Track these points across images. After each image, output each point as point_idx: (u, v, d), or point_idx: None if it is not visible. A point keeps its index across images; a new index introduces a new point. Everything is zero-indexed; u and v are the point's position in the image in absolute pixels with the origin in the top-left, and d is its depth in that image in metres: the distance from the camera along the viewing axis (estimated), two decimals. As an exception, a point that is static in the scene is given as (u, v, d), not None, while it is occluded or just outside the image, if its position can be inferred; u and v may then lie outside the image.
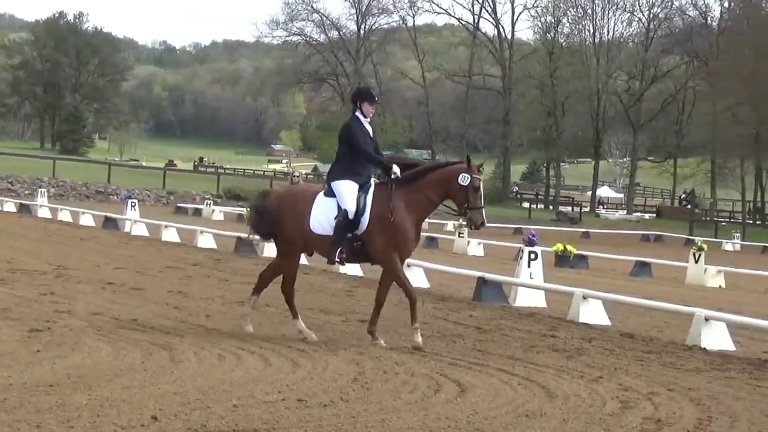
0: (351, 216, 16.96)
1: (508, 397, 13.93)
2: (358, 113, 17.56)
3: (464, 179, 16.88)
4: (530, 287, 26.58)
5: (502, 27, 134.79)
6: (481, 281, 27.01)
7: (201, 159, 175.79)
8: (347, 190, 17.09)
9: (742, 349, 19.93)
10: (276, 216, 17.88)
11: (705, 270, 39.21)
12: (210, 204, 75.76)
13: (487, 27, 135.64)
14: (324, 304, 23.70)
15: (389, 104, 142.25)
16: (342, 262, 17.99)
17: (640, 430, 12.49)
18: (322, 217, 17.25)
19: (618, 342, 20.23)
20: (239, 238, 40.46)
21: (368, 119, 17.61)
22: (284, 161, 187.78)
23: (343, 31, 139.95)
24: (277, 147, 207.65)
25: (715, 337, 20.16)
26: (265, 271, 18.80)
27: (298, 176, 51.15)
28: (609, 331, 21.87)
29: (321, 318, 21.28)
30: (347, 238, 17.12)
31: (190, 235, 43.68)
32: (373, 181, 17.40)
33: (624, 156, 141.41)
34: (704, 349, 19.73)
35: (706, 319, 20.39)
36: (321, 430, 11.45)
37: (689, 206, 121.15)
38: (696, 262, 40.08)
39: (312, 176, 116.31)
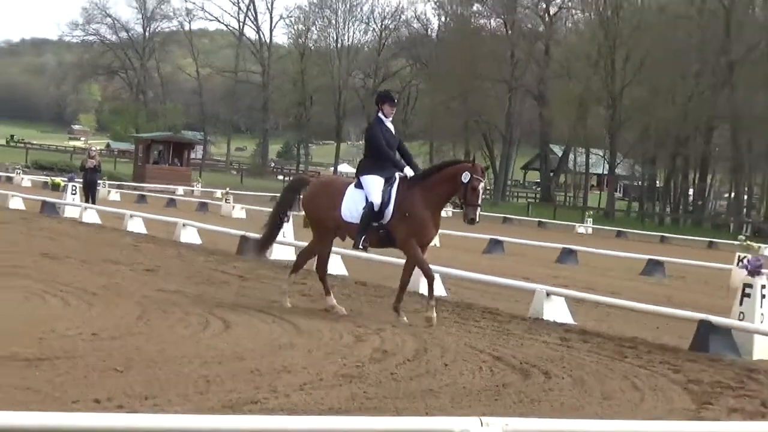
0: (376, 208, 15.98)
1: (265, 332, 14.01)
2: (380, 114, 16.60)
3: (465, 177, 15.64)
4: (283, 244, 26.61)
5: (262, 33, 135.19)
6: (244, 239, 27.01)
7: (12, 136, 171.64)
8: (374, 184, 16.06)
9: (452, 296, 20.28)
10: (308, 203, 17.08)
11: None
12: (20, 173, 74.07)
13: (250, 32, 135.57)
14: (115, 256, 23.41)
15: (170, 94, 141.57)
16: (365, 249, 16.84)
17: (370, 358, 12.67)
18: (352, 207, 16.25)
19: (354, 288, 20.41)
20: (44, 202, 39.82)
21: (389, 118, 16.58)
22: (82, 139, 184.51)
23: (131, 32, 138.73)
24: (77, 127, 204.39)
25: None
26: (302, 252, 17.82)
27: (94, 151, 50.32)
28: (347, 279, 22.03)
29: (112, 267, 21.05)
30: (373, 227, 16.14)
31: (2, 198, 42.72)
32: (397, 175, 16.18)
33: (359, 139, 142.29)
34: (422, 294, 19.97)
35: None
36: (111, 358, 11.37)
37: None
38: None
39: (105, 151, 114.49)
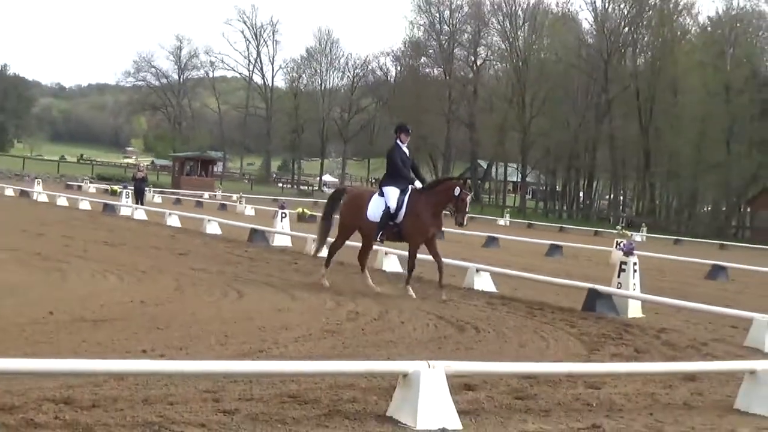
0: (392, 211, 15.68)
1: (268, 299, 13.96)
2: (398, 141, 16.16)
3: (456, 191, 15.37)
4: (282, 234, 26.57)
5: (266, 79, 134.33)
6: (253, 231, 26.94)
7: (81, 155, 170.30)
8: (391, 193, 15.76)
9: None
10: (343, 207, 16.65)
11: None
12: (87, 182, 73.41)
13: (257, 78, 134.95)
14: (156, 244, 23.29)
15: (198, 124, 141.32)
16: (381, 242, 16.58)
17: (347, 318, 12.64)
18: (375, 210, 15.92)
19: (334, 267, 20.28)
20: (105, 204, 39.60)
21: (405, 144, 16.15)
22: (133, 157, 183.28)
23: (170, 79, 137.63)
24: (129, 148, 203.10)
25: (391, 264, 20.41)
26: (359, 254, 16.87)
27: (143, 166, 50.25)
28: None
29: (155, 252, 20.93)
30: (388, 225, 15.79)
31: (74, 201, 42.46)
32: (410, 187, 15.81)
33: (339, 157, 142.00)
34: (385, 271, 19.97)
35: (386, 254, 20.64)
36: (156, 319, 11.30)
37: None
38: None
39: (150, 166, 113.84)
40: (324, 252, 17.28)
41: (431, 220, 15.68)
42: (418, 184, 15.93)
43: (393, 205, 15.74)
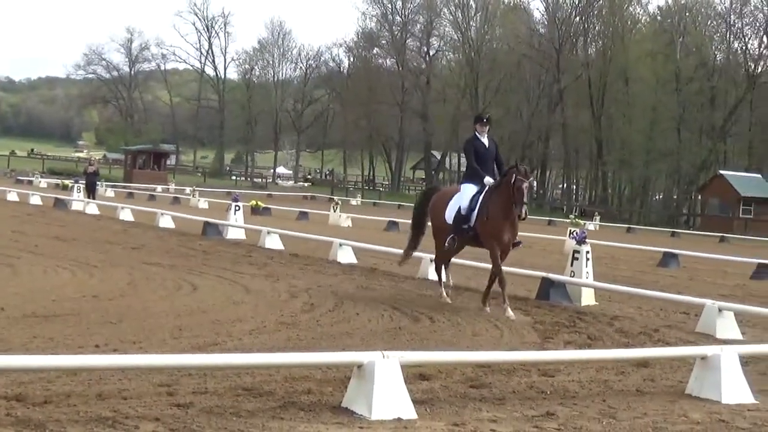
0: (463, 212, 13.86)
1: (222, 292, 13.91)
2: (476, 132, 14.38)
3: (513, 179, 13.25)
4: (235, 227, 26.47)
5: (218, 71, 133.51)
6: (206, 224, 26.80)
7: (32, 150, 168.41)
8: (467, 191, 14.02)
9: (361, 262, 20.23)
10: (431, 209, 14.94)
11: (340, 216, 39.65)
12: (38, 177, 72.58)
13: (209, 70, 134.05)
14: (110, 238, 23.12)
15: (150, 116, 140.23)
16: (451, 247, 14.31)
17: (301, 310, 12.64)
18: (452, 211, 14.08)
19: (288, 259, 20.31)
20: (56, 199, 39.20)
21: (484, 134, 14.27)
22: (84, 151, 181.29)
23: (121, 72, 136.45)
24: (81, 142, 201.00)
25: (346, 255, 20.41)
26: (436, 257, 15.17)
27: (94, 160, 49.80)
28: (283, 252, 21.92)
29: (108, 246, 20.76)
30: (462, 229, 13.92)
31: (25, 196, 41.97)
32: (487, 184, 13.88)
33: (292, 148, 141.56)
34: (339, 262, 19.96)
35: (341, 245, 20.64)
36: (108, 314, 11.23)
37: (330, 178, 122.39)
38: (335, 211, 40.54)
39: (102, 160, 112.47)
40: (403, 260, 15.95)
41: (505, 222, 13.70)
42: (488, 180, 14.04)
43: (464, 206, 14.07)
